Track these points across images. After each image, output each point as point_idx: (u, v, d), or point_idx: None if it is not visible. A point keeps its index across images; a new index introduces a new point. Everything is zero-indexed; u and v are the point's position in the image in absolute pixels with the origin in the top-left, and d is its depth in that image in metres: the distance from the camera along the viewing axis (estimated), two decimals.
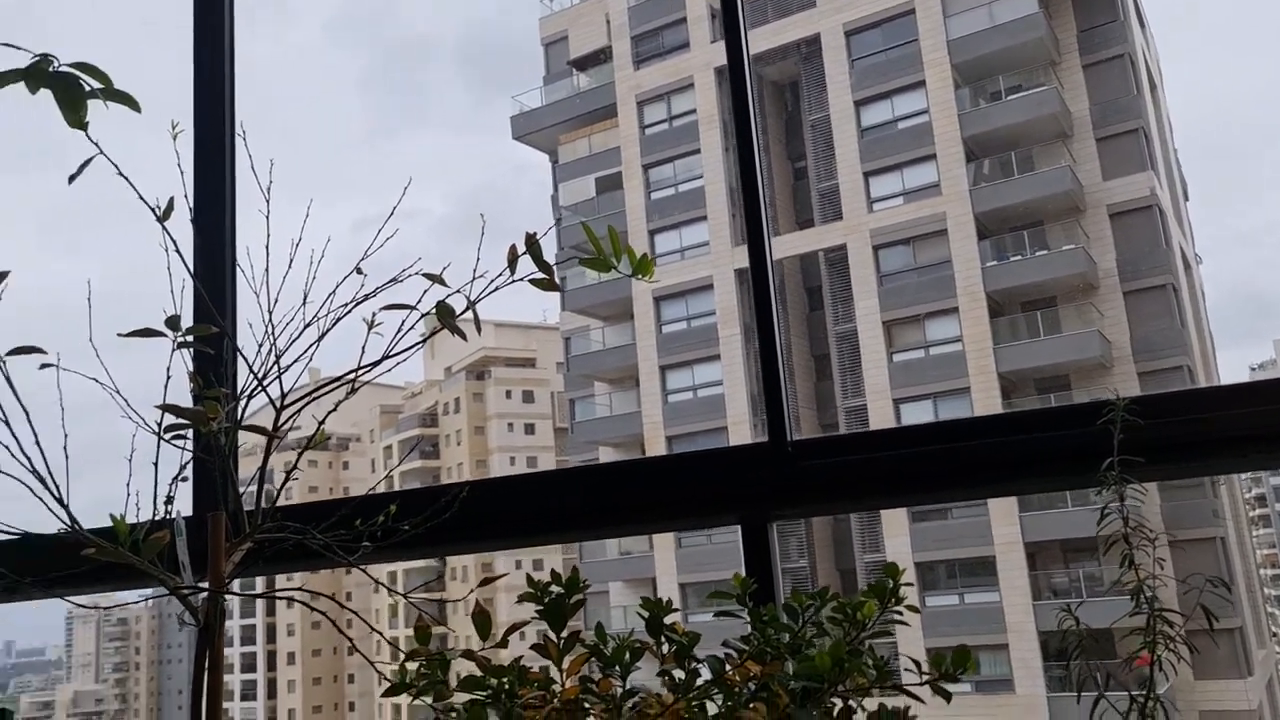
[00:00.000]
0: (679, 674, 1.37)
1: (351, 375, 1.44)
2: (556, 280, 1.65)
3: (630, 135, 24.92)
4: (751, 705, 1.33)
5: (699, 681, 1.39)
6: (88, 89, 1.20)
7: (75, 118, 1.26)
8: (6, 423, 1.44)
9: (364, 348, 1.42)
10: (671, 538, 21.48)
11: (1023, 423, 1.82)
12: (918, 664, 1.39)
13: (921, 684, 1.37)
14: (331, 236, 1.76)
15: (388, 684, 1.36)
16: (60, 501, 1.42)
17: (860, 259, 23.23)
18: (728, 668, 1.38)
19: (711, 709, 1.38)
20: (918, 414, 21.67)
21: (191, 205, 1.63)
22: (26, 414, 1.36)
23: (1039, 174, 22.30)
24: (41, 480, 1.43)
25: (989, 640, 20.39)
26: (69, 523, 1.41)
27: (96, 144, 1.30)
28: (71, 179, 1.29)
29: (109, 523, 1.49)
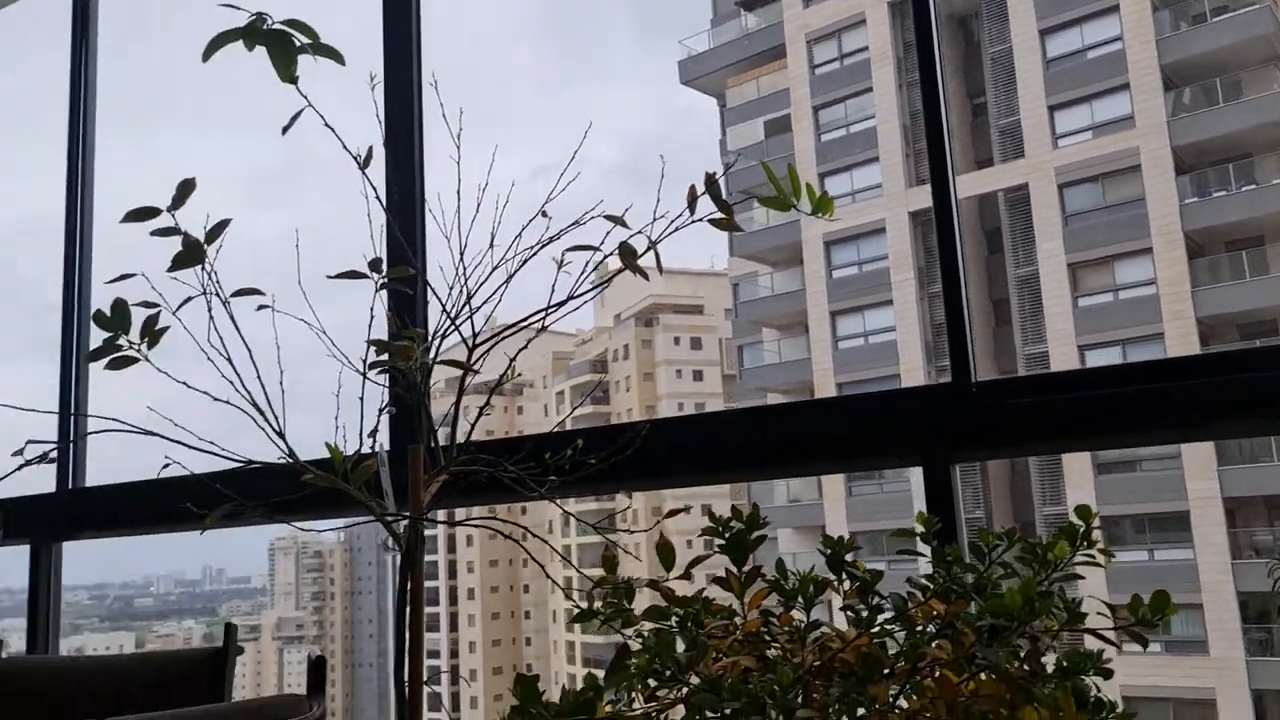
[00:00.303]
0: (862, 610, 1.38)
1: (540, 313, 1.49)
2: (736, 220, 1.66)
3: (799, 76, 24.38)
4: (936, 643, 1.33)
5: (881, 618, 1.39)
6: (298, 45, 1.28)
7: (287, 73, 1.34)
8: (230, 360, 1.57)
9: (554, 286, 1.47)
10: (842, 485, 21.30)
11: (1227, 363, 1.72)
12: (1112, 609, 1.35)
13: (1115, 629, 1.34)
14: (515, 182, 1.81)
15: (578, 610, 1.42)
16: (279, 433, 1.54)
17: (1043, 198, 22.10)
18: (910, 606, 1.38)
19: (891, 647, 1.38)
20: (1104, 360, 20.64)
21: (385, 154, 1.71)
22: (249, 352, 1.47)
23: (1247, 102, 20.58)
24: (261, 413, 1.55)
25: (1181, 599, 19.39)
26: (287, 452, 1.52)
27: (305, 97, 1.38)
28: (284, 130, 1.38)
29: (316, 455, 1.61)
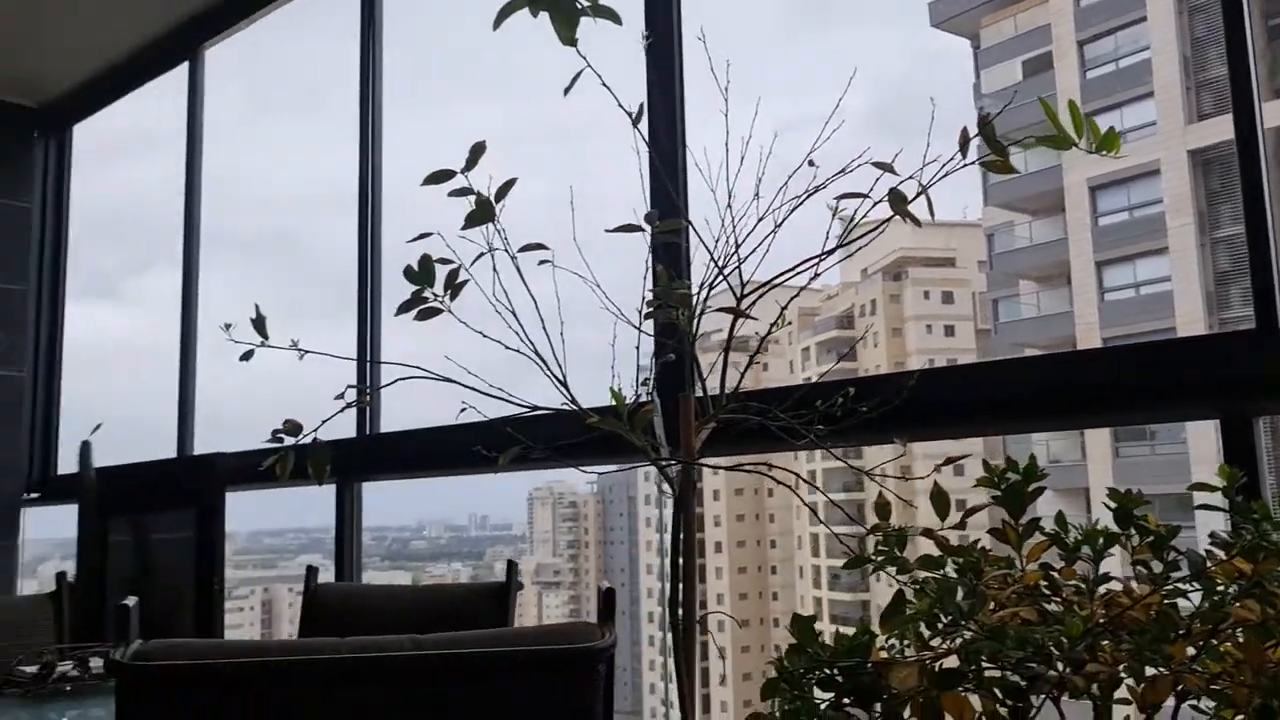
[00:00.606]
0: (1155, 565, 1.31)
1: (814, 259, 1.50)
2: (1011, 162, 1.60)
3: (1062, 9, 22.73)
4: (1241, 604, 1.25)
5: (1175, 576, 1.32)
6: (580, 7, 1.33)
7: (568, 35, 1.41)
8: (514, 313, 1.67)
9: (828, 232, 1.47)
10: (1108, 445, 20.00)
11: None
12: None
13: None
14: (776, 133, 1.82)
15: (850, 555, 1.43)
16: (562, 382, 1.63)
17: None
18: (1210, 564, 1.30)
19: (1185, 606, 1.31)
20: None
21: (647, 109, 1.75)
22: (535, 303, 1.56)
23: None
24: (544, 362, 1.65)
25: None
26: (569, 399, 1.61)
27: (585, 58, 1.44)
28: (566, 91, 1.44)
29: (586, 405, 1.69)
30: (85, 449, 3.53)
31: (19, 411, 4.21)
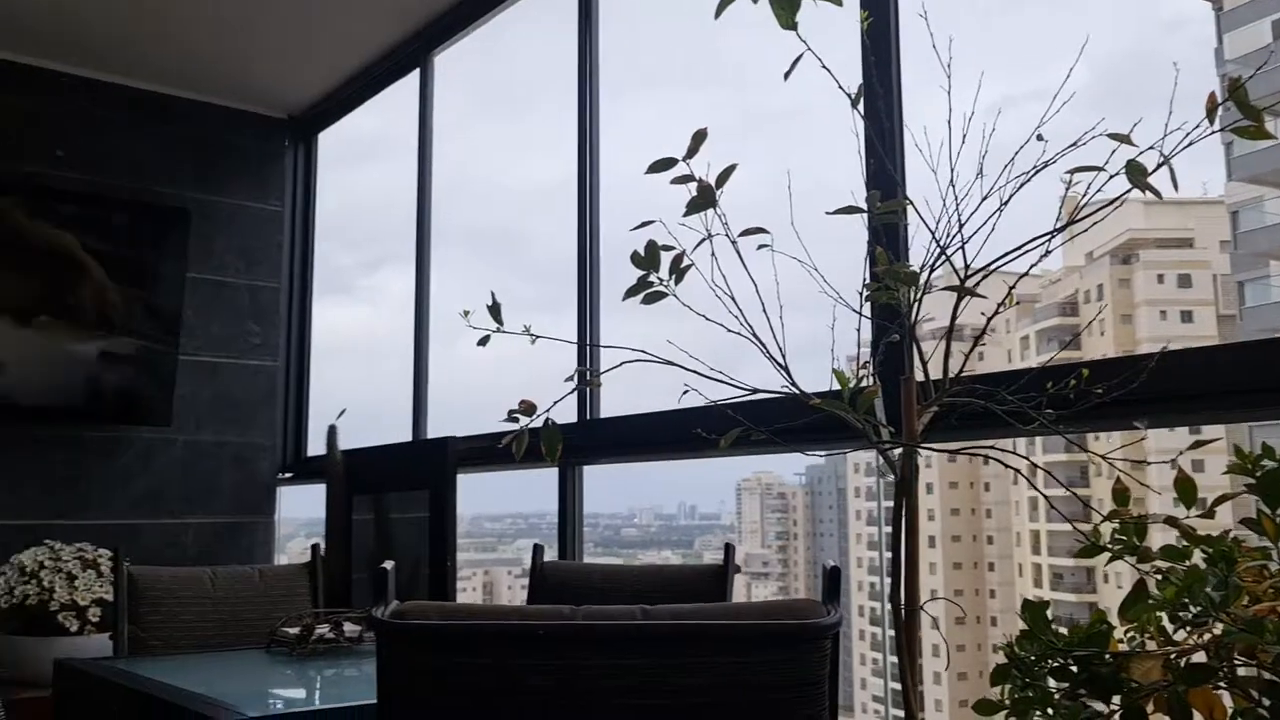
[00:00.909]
0: None
1: (1045, 236, 1.45)
2: (1267, 128, 1.49)
3: None
4: None
5: None
6: None
7: (789, 20, 1.42)
8: (733, 297, 1.70)
9: (1060, 207, 1.42)
10: None
11: None
12: None
13: None
14: (1000, 109, 1.76)
15: (1086, 543, 1.38)
16: (783, 365, 1.64)
17: None
18: None
19: None
20: None
21: (863, 89, 1.73)
22: (756, 287, 1.58)
23: None
24: (763, 345, 1.67)
25: None
26: (789, 381, 1.62)
27: (805, 42, 1.45)
28: (786, 75, 1.46)
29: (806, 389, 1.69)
30: (332, 432, 3.83)
31: (273, 398, 4.60)
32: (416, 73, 4.11)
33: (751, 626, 1.17)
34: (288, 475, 4.61)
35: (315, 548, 3.04)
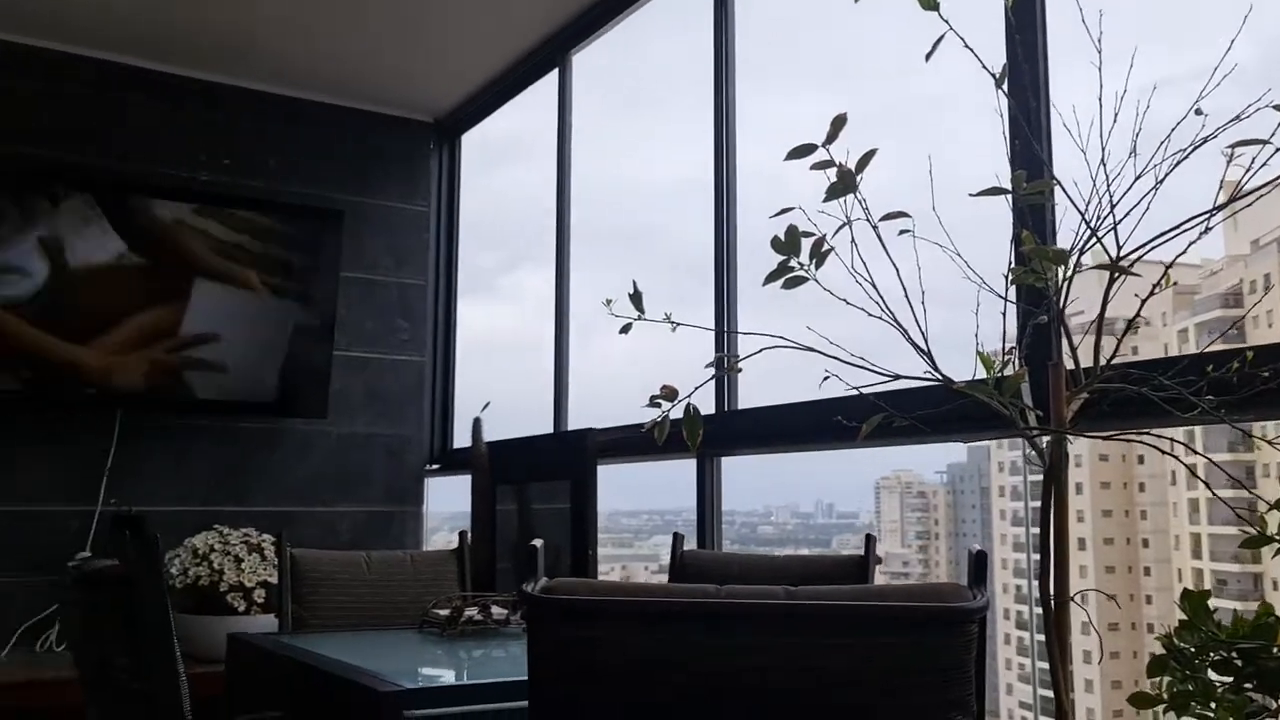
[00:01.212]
0: None
1: (1204, 215, 1.40)
2: None
3: None
4: None
5: None
6: None
7: (930, 1, 1.41)
8: (873, 283, 1.69)
9: (1221, 180, 1.36)
10: None
11: None
12: None
13: None
14: (1156, 84, 1.69)
15: (1251, 534, 1.32)
16: (925, 352, 1.62)
17: None
18: None
19: None
20: None
21: (1007, 68, 1.69)
22: (898, 272, 1.57)
23: None
24: (904, 331, 1.65)
25: None
26: (932, 366, 1.60)
27: (947, 21, 1.43)
28: (928, 56, 1.44)
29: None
30: (477, 425, 3.95)
31: (421, 392, 4.77)
32: (555, 72, 4.20)
33: (897, 608, 1.17)
34: (435, 466, 4.78)
35: (463, 534, 3.16)
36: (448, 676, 2.31)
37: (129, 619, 1.75)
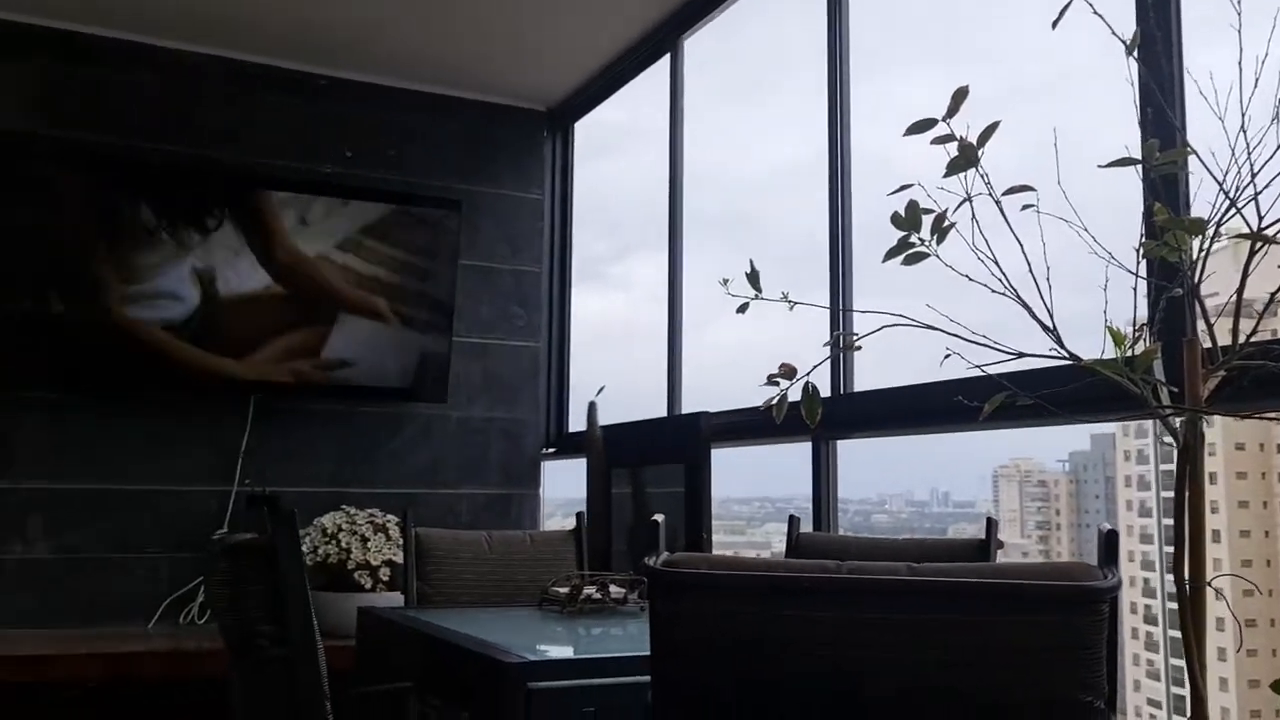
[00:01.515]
0: None
1: None
2: None
3: None
4: None
5: None
6: None
7: None
8: (996, 260, 1.65)
9: None
10: None
11: None
12: None
13: None
14: None
15: None
16: (1048, 327, 1.59)
17: None
18: None
19: None
20: None
21: (1138, 34, 1.63)
22: (1021, 246, 1.54)
23: None
24: (1028, 308, 1.62)
25: None
26: (1057, 341, 1.57)
27: None
28: (1054, 24, 1.41)
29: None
30: (591, 409, 4.00)
31: (537, 377, 4.86)
32: (666, 59, 4.21)
33: (1026, 586, 1.15)
34: (551, 450, 4.86)
35: (580, 515, 3.21)
36: (568, 651, 2.36)
37: (271, 588, 1.84)
